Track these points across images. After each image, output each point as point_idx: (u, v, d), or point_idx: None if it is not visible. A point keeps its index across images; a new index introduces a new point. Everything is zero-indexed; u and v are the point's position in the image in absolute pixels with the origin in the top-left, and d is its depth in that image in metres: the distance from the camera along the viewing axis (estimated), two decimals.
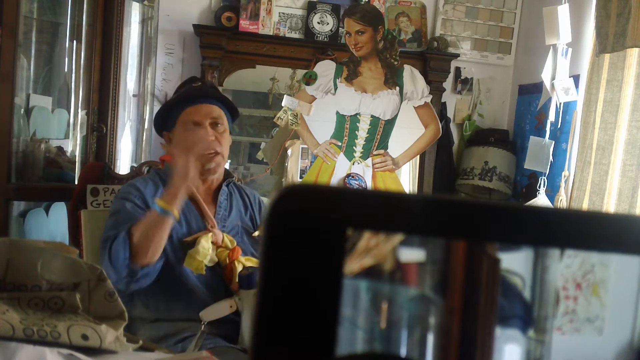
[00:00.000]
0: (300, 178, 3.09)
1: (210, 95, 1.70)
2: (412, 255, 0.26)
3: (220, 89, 2.90)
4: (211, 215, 1.64)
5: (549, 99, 2.82)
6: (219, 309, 1.50)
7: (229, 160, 3.13)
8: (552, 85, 2.77)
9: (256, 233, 1.72)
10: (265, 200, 1.93)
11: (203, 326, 1.43)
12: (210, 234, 1.57)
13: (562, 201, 2.77)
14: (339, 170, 3.02)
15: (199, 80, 1.80)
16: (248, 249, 1.66)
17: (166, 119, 1.72)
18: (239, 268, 1.57)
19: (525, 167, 2.97)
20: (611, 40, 2.52)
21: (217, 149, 1.64)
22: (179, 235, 1.59)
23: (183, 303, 1.55)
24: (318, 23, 3.16)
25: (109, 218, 1.60)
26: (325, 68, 2.99)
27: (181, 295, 1.55)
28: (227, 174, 1.76)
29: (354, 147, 3.03)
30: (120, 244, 1.45)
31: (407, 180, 3.29)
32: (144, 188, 1.62)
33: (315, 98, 2.96)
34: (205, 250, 1.55)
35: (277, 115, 2.93)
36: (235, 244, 1.62)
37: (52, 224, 2.69)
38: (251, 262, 1.61)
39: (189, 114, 1.65)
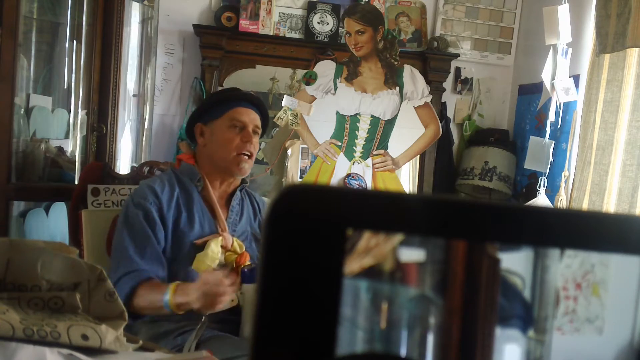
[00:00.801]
0: (300, 178, 3.09)
1: (259, 106, 1.76)
2: (412, 255, 0.26)
3: (219, 89, 2.91)
4: (224, 219, 1.65)
5: (549, 99, 2.82)
6: None
7: None
8: (552, 85, 2.77)
9: None
10: (266, 201, 1.94)
11: (203, 318, 1.44)
12: (220, 238, 1.58)
13: (562, 201, 2.77)
14: (339, 170, 3.02)
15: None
16: (256, 255, 1.67)
17: (205, 112, 1.74)
18: None
19: (525, 167, 2.97)
20: (611, 40, 2.52)
21: (253, 152, 1.70)
22: (190, 237, 1.60)
23: None
24: (318, 23, 3.16)
25: (122, 227, 1.58)
26: (325, 68, 2.99)
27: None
28: (242, 180, 1.78)
29: (354, 147, 3.03)
30: (122, 292, 1.45)
31: (407, 180, 3.29)
32: (161, 192, 1.62)
33: (315, 98, 2.96)
34: (215, 254, 1.55)
35: (277, 115, 2.93)
36: (244, 249, 1.63)
37: (52, 224, 2.69)
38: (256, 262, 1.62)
39: (240, 112, 1.69)
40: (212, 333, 1.48)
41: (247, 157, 1.69)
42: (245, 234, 1.71)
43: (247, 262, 1.59)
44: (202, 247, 1.57)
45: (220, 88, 2.96)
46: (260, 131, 1.75)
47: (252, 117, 1.71)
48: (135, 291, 1.49)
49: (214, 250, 1.55)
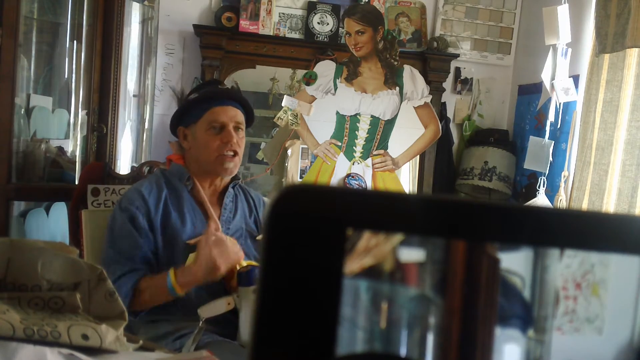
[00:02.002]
0: (300, 178, 3.09)
1: (237, 100, 1.71)
2: (412, 255, 0.26)
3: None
4: (216, 218, 1.64)
5: (549, 99, 2.82)
6: (217, 306, 1.50)
7: None
8: (552, 86, 2.77)
9: (259, 237, 1.71)
10: (267, 201, 1.93)
11: (201, 322, 1.44)
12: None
13: (562, 201, 2.77)
14: (339, 170, 3.02)
15: (223, 84, 1.81)
16: (251, 252, 1.66)
17: (185, 115, 1.71)
18: None
19: (525, 167, 2.97)
20: (611, 40, 2.52)
21: (237, 150, 1.66)
22: (183, 236, 1.59)
23: (182, 304, 1.55)
24: (318, 23, 3.16)
25: (109, 232, 1.59)
26: (325, 68, 2.99)
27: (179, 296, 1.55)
28: (234, 176, 1.75)
29: (354, 147, 3.03)
30: (122, 291, 1.47)
31: (407, 180, 3.29)
32: (148, 194, 1.61)
33: (315, 98, 2.96)
34: None
35: (277, 115, 2.93)
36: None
37: (52, 224, 2.69)
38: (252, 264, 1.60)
39: (217, 113, 1.65)
40: (211, 338, 1.47)
41: (231, 156, 1.65)
42: (239, 232, 1.69)
43: (243, 264, 1.58)
44: (195, 247, 1.56)
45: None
46: (243, 126, 1.70)
47: (231, 115, 1.66)
48: (136, 287, 1.51)
49: None
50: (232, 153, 1.65)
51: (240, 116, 1.69)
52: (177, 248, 1.58)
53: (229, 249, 1.49)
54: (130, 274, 1.52)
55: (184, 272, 1.49)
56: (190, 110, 1.69)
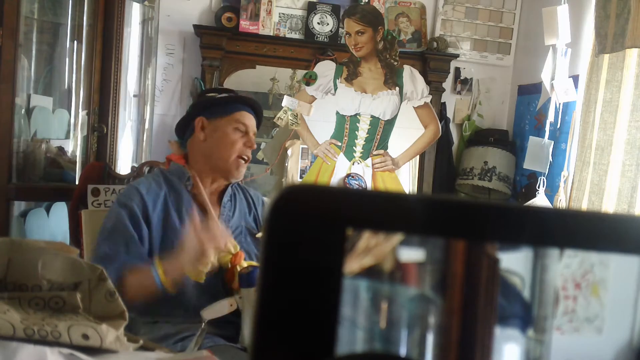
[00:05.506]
0: (300, 178, 3.09)
1: (258, 112, 1.78)
2: (412, 255, 0.27)
3: (219, 87, 2.91)
4: (215, 217, 1.64)
5: (549, 99, 2.82)
6: (220, 308, 1.49)
7: None
8: (552, 86, 2.77)
9: (259, 234, 1.71)
10: (267, 200, 1.93)
11: (203, 324, 1.43)
12: None
13: (562, 201, 2.77)
14: (339, 170, 3.02)
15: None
16: (251, 249, 1.66)
17: (211, 107, 1.73)
18: None
19: (524, 167, 2.97)
20: (610, 40, 2.52)
21: (250, 157, 1.72)
22: (181, 237, 1.58)
23: (182, 306, 1.54)
24: (318, 23, 3.16)
25: (104, 227, 1.58)
26: (325, 68, 2.99)
27: (180, 298, 1.54)
28: None
29: (353, 147, 3.03)
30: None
31: (407, 180, 3.29)
32: (146, 191, 1.60)
33: (315, 98, 2.96)
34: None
35: (277, 116, 2.93)
36: (239, 248, 1.61)
37: (52, 224, 2.69)
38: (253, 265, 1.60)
39: (244, 116, 1.71)
40: (214, 341, 1.46)
41: (244, 162, 1.70)
42: (239, 229, 1.69)
43: (244, 264, 1.57)
44: None
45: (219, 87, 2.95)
46: (255, 136, 1.77)
47: (252, 123, 1.73)
48: (121, 280, 1.46)
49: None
50: (246, 158, 1.70)
51: (255, 127, 1.75)
52: (175, 248, 1.56)
53: (216, 232, 1.45)
54: (118, 265, 1.48)
55: (170, 260, 1.45)
56: (219, 104, 1.72)
